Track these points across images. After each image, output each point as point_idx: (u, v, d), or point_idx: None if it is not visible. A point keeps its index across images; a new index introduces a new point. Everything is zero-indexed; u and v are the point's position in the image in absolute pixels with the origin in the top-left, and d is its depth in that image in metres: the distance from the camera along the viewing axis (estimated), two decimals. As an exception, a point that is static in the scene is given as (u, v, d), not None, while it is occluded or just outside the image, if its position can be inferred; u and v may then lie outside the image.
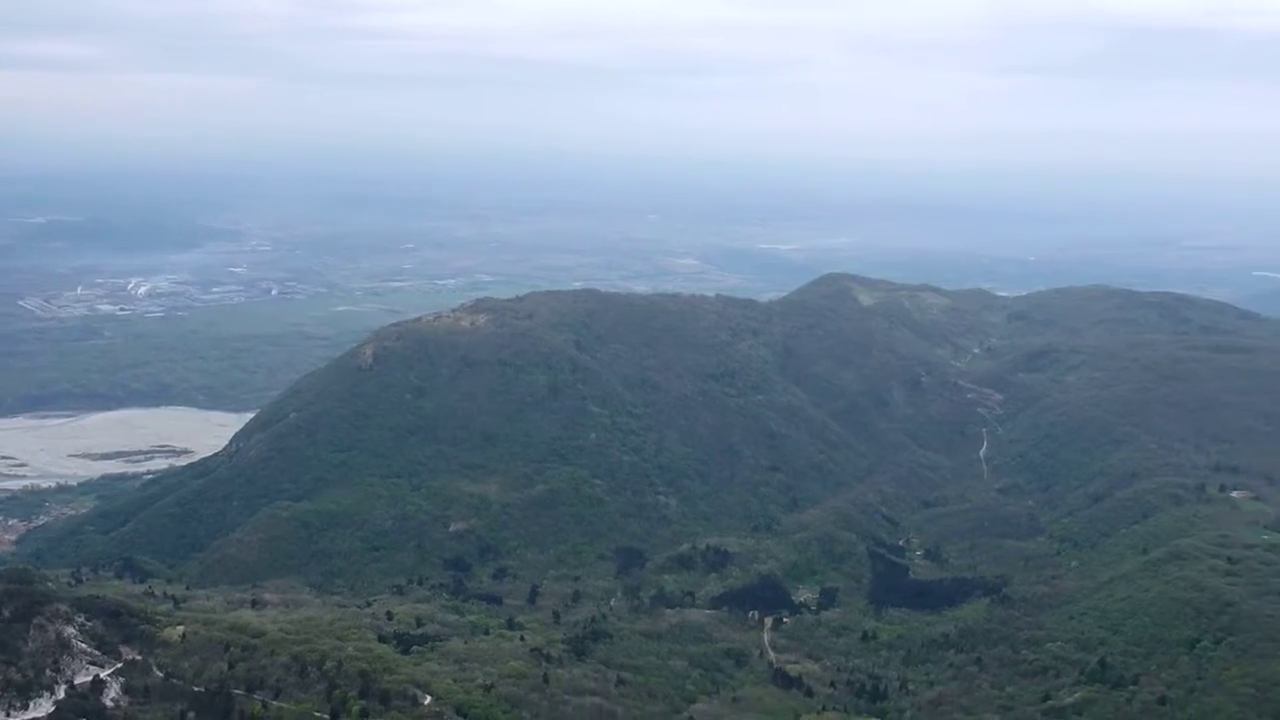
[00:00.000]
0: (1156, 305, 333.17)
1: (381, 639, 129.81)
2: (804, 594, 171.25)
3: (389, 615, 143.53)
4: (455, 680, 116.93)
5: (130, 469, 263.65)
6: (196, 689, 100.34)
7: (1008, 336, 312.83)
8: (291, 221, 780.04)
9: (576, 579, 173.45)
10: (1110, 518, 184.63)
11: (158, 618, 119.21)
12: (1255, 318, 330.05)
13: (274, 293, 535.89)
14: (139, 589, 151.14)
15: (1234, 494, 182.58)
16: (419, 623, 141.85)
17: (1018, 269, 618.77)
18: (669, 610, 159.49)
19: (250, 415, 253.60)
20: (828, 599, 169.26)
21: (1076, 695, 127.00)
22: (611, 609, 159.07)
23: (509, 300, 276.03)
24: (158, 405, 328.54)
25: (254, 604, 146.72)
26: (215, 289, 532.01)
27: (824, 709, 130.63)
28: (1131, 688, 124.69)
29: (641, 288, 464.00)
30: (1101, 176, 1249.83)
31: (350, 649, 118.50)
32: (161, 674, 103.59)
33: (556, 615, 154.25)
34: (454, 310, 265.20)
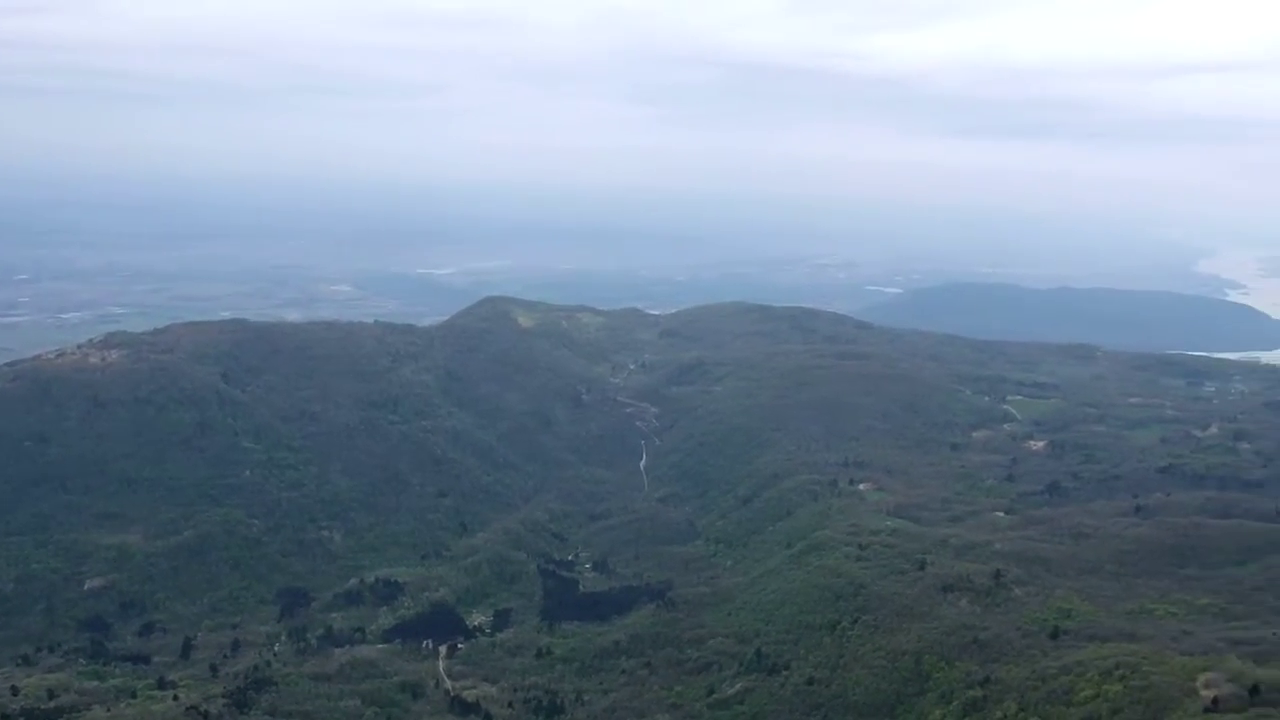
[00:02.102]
0: (789, 318, 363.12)
1: (6, 718, 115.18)
2: (478, 618, 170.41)
3: (14, 690, 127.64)
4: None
5: None
6: None
7: (660, 352, 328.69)
8: None
9: (235, 627, 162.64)
10: (759, 517, 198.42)
11: None
12: (869, 327, 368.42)
13: None
14: None
15: (861, 486, 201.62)
16: (51, 694, 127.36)
17: (667, 288, 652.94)
18: (338, 649, 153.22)
19: None
20: (502, 620, 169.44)
21: (738, 686, 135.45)
22: (275, 654, 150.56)
23: (146, 334, 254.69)
24: None
25: None
26: None
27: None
28: (785, 673, 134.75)
29: (294, 316, 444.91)
30: (735, 200, 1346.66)
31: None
32: None
33: (214, 668, 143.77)
34: (80, 346, 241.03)
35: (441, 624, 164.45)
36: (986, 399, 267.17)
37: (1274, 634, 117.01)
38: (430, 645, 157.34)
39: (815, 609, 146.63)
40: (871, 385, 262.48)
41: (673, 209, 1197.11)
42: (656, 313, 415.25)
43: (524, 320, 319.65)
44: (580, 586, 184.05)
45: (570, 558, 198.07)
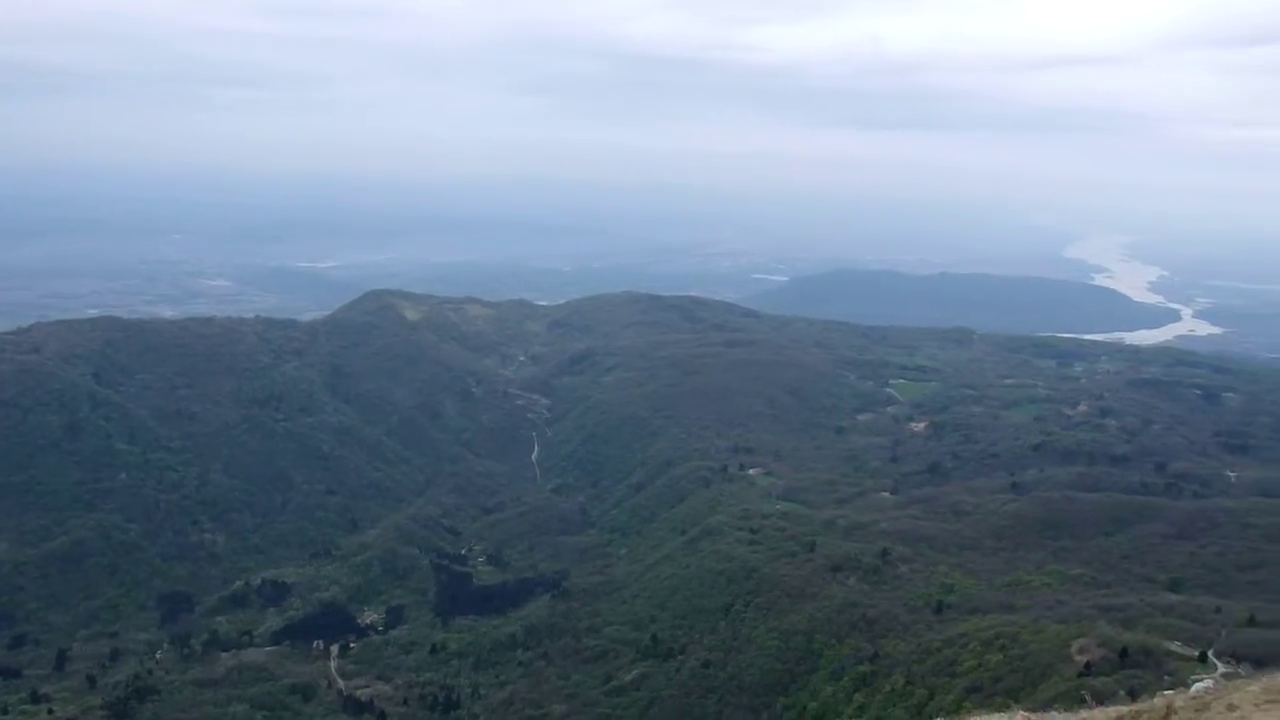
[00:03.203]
0: (677, 307, 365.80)
1: None
2: (370, 615, 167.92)
3: None
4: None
5: None
6: None
7: (550, 343, 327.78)
8: None
9: (113, 635, 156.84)
10: (652, 504, 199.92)
11: None
12: (756, 315, 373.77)
13: None
14: None
15: (751, 471, 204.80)
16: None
17: (555, 279, 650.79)
18: (225, 654, 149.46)
19: None
20: (395, 617, 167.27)
21: (634, 672, 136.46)
22: (157, 662, 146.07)
23: (10, 333, 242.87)
24: None
25: None
26: None
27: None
28: (680, 657, 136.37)
29: (169, 313, 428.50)
30: (625, 190, 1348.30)
31: None
32: None
33: (91, 679, 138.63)
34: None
35: (332, 624, 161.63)
36: (870, 383, 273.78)
37: (1140, 600, 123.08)
38: (321, 646, 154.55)
39: (709, 593, 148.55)
40: (759, 372, 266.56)
41: (561, 200, 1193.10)
42: (545, 304, 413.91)
43: (410, 313, 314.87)
44: (474, 580, 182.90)
45: (463, 552, 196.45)
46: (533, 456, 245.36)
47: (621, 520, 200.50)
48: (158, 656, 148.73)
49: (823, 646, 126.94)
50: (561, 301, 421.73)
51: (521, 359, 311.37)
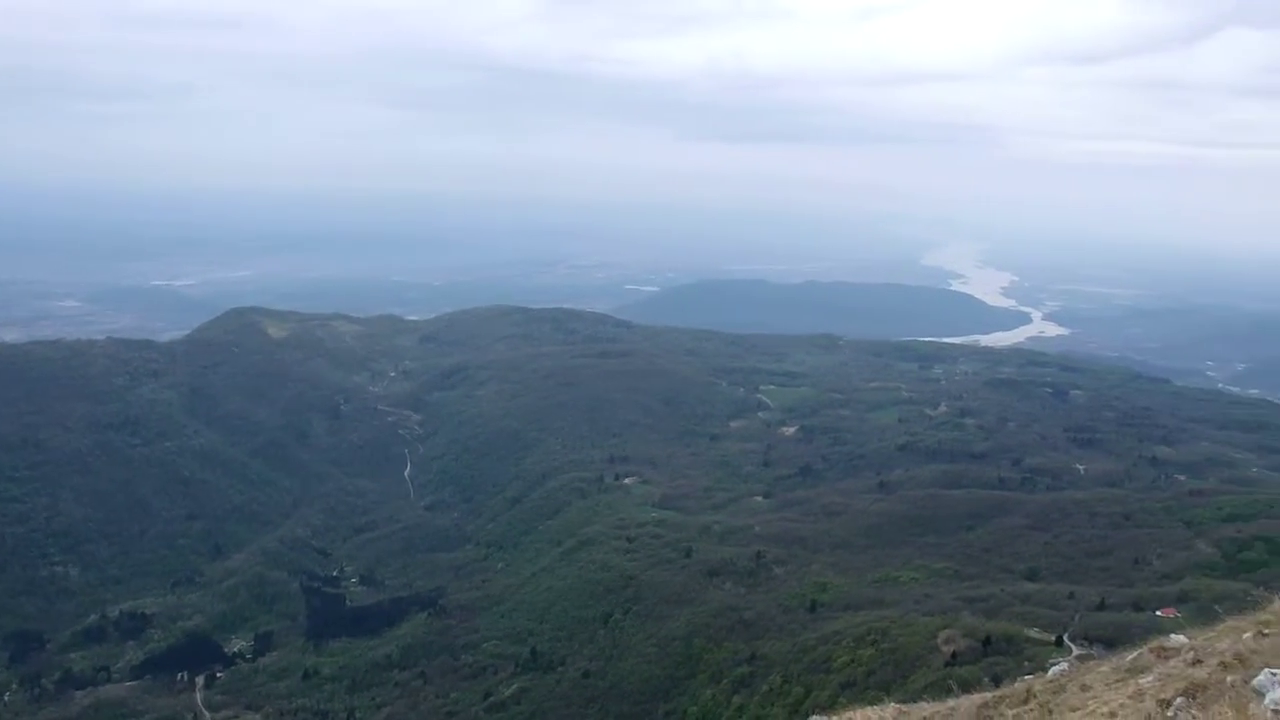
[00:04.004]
0: (550, 319, 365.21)
1: None
2: (238, 643, 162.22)
3: None
4: None
5: None
6: None
7: (421, 358, 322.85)
8: None
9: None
10: (528, 517, 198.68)
11: None
12: (629, 326, 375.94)
13: None
14: None
15: (626, 481, 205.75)
16: None
17: (425, 293, 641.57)
18: (80, 691, 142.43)
19: None
20: (264, 644, 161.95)
21: (514, 687, 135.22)
22: (5, 704, 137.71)
23: None
24: None
25: None
26: None
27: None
28: (560, 669, 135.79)
29: (13, 336, 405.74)
30: (494, 204, 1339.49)
31: None
32: None
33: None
34: None
35: (197, 654, 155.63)
36: (741, 390, 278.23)
37: (1001, 590, 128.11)
38: (186, 677, 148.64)
39: (587, 604, 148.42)
40: (633, 382, 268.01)
41: (431, 213, 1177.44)
42: (416, 318, 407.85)
43: (274, 331, 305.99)
44: (347, 601, 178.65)
45: (335, 573, 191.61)
46: (406, 473, 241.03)
47: (498, 534, 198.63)
48: (5, 699, 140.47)
49: (702, 650, 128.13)
50: (432, 316, 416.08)
51: (392, 375, 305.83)
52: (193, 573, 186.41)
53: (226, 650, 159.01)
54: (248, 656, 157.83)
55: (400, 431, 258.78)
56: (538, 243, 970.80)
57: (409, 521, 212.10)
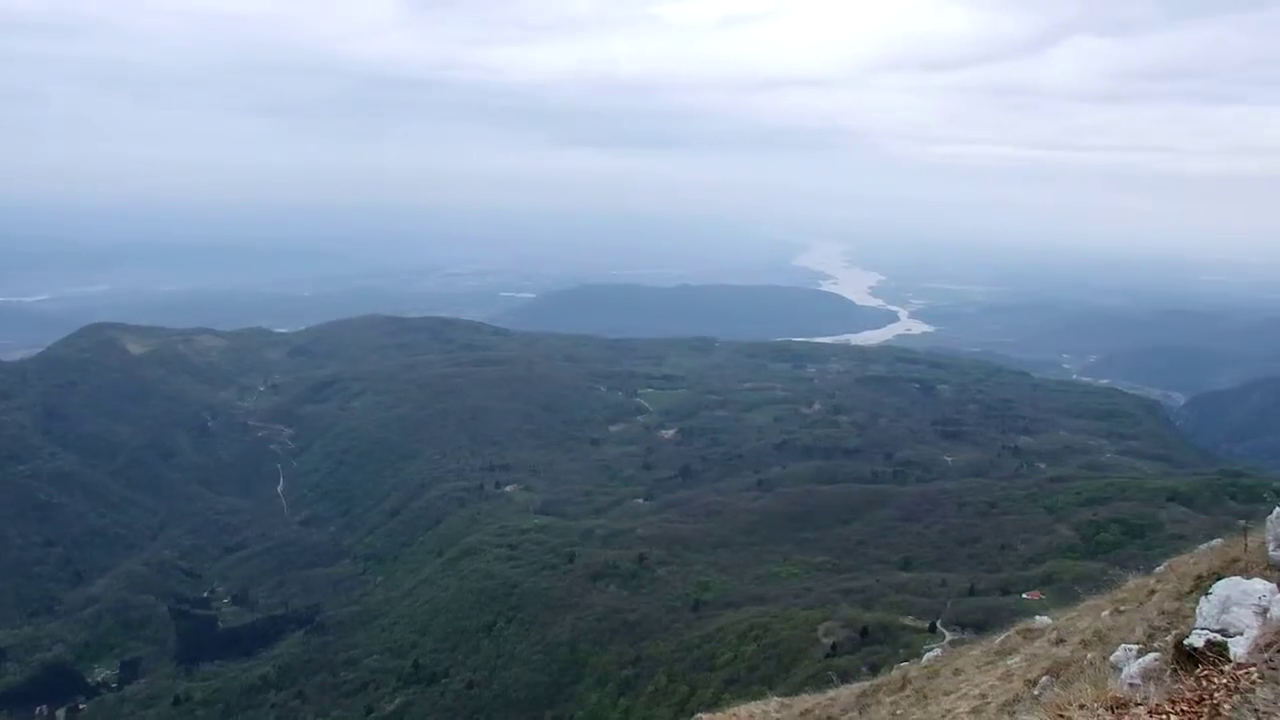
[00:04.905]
0: (425, 329, 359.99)
1: None
2: (102, 672, 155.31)
3: None
4: None
5: None
6: None
7: (291, 371, 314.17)
8: None
9: None
10: (408, 529, 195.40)
11: None
12: (506, 333, 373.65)
13: None
14: None
15: (508, 488, 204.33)
16: None
17: (294, 304, 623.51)
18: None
19: None
20: (130, 671, 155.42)
21: (397, 701, 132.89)
22: None
23: None
24: None
25: None
26: None
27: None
28: (444, 680, 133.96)
29: None
30: (361, 212, 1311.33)
31: None
32: None
33: None
34: None
35: (57, 686, 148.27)
36: (620, 394, 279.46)
37: (877, 580, 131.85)
38: (45, 711, 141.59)
39: (470, 613, 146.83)
40: (511, 389, 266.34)
41: (295, 223, 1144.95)
42: (285, 331, 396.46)
43: (135, 347, 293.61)
44: (219, 623, 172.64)
45: (206, 594, 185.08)
46: (278, 489, 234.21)
47: (377, 547, 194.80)
48: None
49: (587, 655, 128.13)
50: (302, 328, 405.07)
51: (262, 389, 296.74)
52: (51, 601, 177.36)
53: (90, 680, 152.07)
54: (113, 686, 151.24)
55: (272, 447, 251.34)
56: (409, 251, 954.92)
57: (283, 538, 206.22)
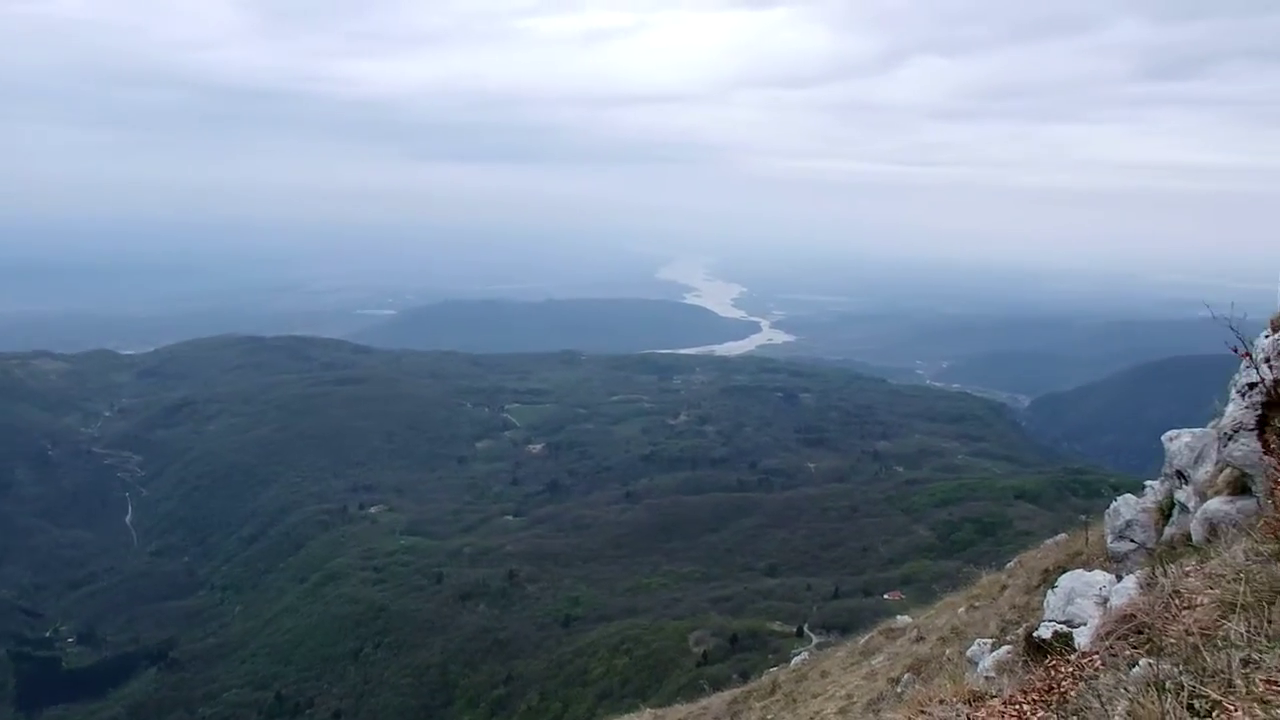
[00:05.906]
0: (283, 348, 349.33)
1: None
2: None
3: None
4: None
5: None
6: None
7: (140, 395, 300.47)
8: None
9: None
10: (268, 556, 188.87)
11: None
12: (366, 351, 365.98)
13: None
14: None
15: (372, 510, 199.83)
16: None
17: (141, 326, 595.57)
18: None
19: None
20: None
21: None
22: None
23: None
24: None
25: None
26: None
27: None
28: (309, 710, 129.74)
29: None
30: (209, 228, 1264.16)
31: None
32: None
33: None
34: None
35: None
36: (486, 410, 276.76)
37: (745, 588, 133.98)
38: None
39: (336, 640, 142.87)
40: (374, 408, 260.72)
41: (138, 240, 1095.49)
42: (132, 352, 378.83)
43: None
44: (63, 664, 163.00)
45: (48, 634, 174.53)
46: (127, 519, 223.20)
47: (235, 576, 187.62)
48: None
49: (457, 677, 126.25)
50: (151, 349, 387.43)
51: (108, 414, 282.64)
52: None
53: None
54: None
55: (119, 475, 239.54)
56: (263, 268, 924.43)
57: (133, 570, 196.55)
